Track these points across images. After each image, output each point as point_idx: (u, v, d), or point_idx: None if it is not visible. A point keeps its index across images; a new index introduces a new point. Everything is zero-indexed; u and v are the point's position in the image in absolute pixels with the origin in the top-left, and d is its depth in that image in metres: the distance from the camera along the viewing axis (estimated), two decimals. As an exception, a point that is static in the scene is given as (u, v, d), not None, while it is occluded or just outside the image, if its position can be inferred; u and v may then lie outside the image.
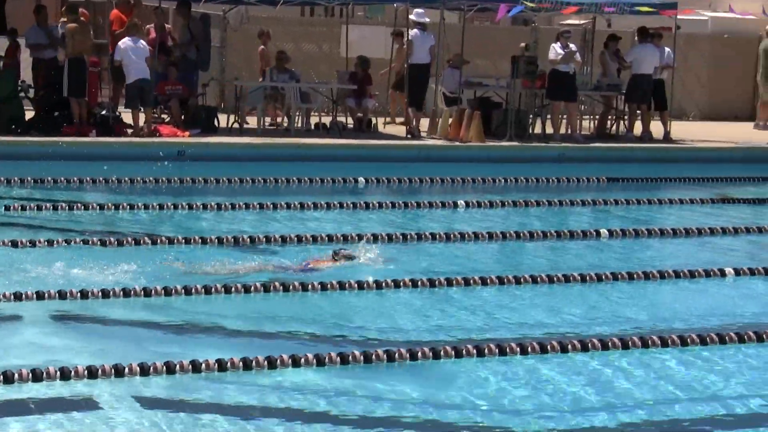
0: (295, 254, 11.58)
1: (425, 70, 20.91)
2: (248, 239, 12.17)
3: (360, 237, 12.36)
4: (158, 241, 11.91)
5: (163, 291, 9.82)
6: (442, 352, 8.41)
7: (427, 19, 21.27)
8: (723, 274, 11.56)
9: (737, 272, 11.61)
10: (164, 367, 7.78)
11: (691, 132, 23.51)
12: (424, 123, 21.48)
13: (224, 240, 12.10)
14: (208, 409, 7.28)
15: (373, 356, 8.25)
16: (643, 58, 21.80)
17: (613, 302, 10.67)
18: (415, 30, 20.96)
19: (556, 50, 20.97)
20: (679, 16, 22.35)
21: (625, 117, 22.62)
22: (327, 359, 8.14)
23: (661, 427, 7.43)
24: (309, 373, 8.01)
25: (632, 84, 21.86)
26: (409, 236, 12.72)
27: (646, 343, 8.92)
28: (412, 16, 21.17)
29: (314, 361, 8.11)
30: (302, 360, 8.09)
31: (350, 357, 8.21)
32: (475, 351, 8.48)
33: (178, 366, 7.84)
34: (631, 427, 7.35)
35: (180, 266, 10.87)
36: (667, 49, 22.28)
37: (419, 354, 8.37)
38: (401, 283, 10.46)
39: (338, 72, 22.15)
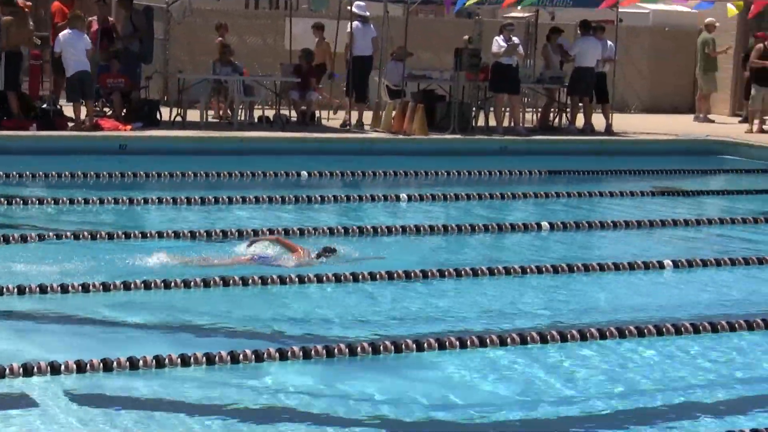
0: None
1: (367, 62, 20.92)
2: (189, 234, 12.13)
3: (302, 231, 12.40)
4: (98, 236, 11.84)
5: (101, 286, 9.77)
6: (381, 347, 8.44)
7: (368, 13, 21.28)
8: (662, 266, 11.67)
9: (676, 264, 11.72)
10: (101, 364, 7.77)
11: (633, 124, 23.70)
12: (368, 116, 21.50)
13: (164, 234, 12.04)
14: (161, 406, 7.30)
15: (312, 351, 8.27)
16: (585, 50, 21.94)
17: (553, 294, 10.73)
18: (356, 22, 20.99)
19: (498, 43, 21.05)
20: (620, 9, 22.50)
21: (568, 109, 22.77)
22: (290, 353, 8.18)
23: (593, 420, 7.49)
24: (272, 368, 8.04)
25: (575, 76, 22.00)
26: (351, 230, 12.72)
27: (585, 336, 8.98)
28: (353, 8, 21.19)
29: (277, 355, 8.13)
30: (264, 355, 8.12)
31: (312, 351, 8.23)
32: (414, 345, 8.52)
33: (115, 363, 7.82)
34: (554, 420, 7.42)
35: (170, 259, 10.84)
36: (609, 42, 22.43)
37: (358, 349, 8.41)
38: (342, 277, 10.49)
39: (282, 65, 22.10)
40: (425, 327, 9.27)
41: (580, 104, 22.42)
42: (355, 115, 21.20)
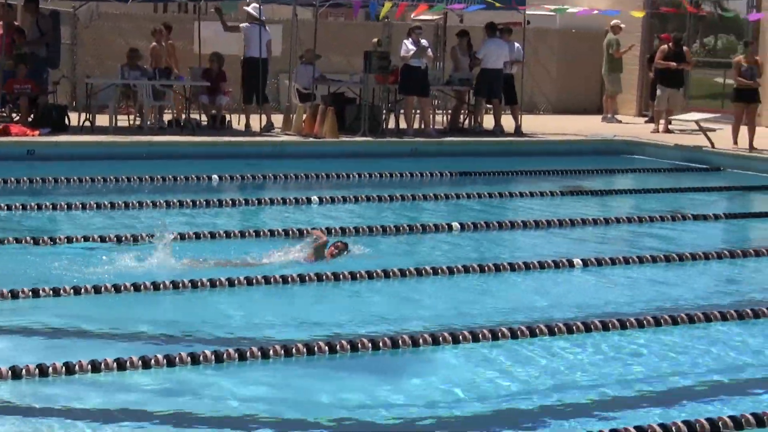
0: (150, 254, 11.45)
1: (261, 65, 20.76)
2: (98, 238, 12.03)
3: (213, 235, 12.37)
4: (5, 241, 11.71)
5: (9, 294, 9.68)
6: (294, 350, 8.44)
7: (264, 16, 21.27)
8: (571, 264, 11.80)
9: (585, 263, 11.86)
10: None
11: (542, 125, 23.95)
12: (278, 119, 21.47)
13: (74, 239, 11.93)
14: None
15: (225, 355, 8.25)
16: (491, 52, 22.10)
17: (465, 294, 10.80)
18: (248, 24, 20.95)
19: (407, 46, 21.14)
20: (528, 12, 22.71)
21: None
22: (178, 359, 8.13)
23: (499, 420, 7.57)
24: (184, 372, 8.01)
25: (480, 78, 22.18)
26: (262, 232, 12.70)
27: (496, 336, 9.05)
28: (248, 9, 21.19)
29: (189, 359, 8.13)
30: (155, 360, 8.05)
31: (201, 357, 8.20)
32: (327, 348, 8.54)
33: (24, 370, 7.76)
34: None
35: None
36: (516, 44, 22.65)
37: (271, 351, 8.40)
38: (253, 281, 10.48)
39: (191, 69, 22.00)
40: (318, 330, 9.24)
41: (489, 105, 22.60)
42: (264, 117, 21.10)
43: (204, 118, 21.51)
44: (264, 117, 20.86)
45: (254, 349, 8.33)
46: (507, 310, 10.19)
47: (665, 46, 24.32)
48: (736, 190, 18.38)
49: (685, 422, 7.12)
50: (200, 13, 23.59)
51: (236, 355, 8.24)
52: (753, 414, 7.31)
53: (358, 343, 8.63)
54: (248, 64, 20.85)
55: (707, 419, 7.20)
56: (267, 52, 20.96)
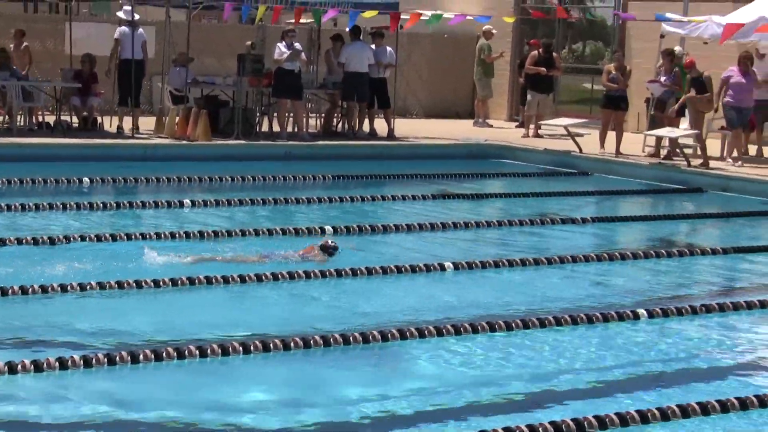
0: (10, 258, 11.30)
1: (137, 67, 20.62)
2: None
3: (83, 237, 12.27)
4: None
5: None
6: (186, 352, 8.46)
7: (137, 17, 21.12)
8: (443, 268, 11.94)
9: (456, 266, 12.02)
10: None
11: (415, 129, 24.13)
12: (150, 121, 21.32)
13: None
14: None
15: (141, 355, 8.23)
16: (352, 56, 22.22)
17: (337, 299, 10.87)
18: (123, 27, 20.81)
19: (281, 49, 21.16)
20: (402, 16, 22.86)
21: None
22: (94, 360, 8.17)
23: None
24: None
25: (344, 82, 22.28)
26: (133, 236, 12.62)
27: (367, 339, 9.14)
28: (119, 13, 21.03)
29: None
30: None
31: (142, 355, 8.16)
32: (198, 351, 8.56)
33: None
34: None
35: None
36: (388, 48, 22.80)
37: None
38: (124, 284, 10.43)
39: (63, 70, 21.72)
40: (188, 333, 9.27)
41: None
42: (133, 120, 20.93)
43: (75, 120, 21.24)
44: (133, 119, 20.68)
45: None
46: (377, 313, 10.27)
47: (535, 51, 24.71)
48: (603, 194, 18.76)
49: (551, 423, 7.28)
50: (72, 14, 23.30)
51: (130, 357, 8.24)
52: (617, 414, 7.51)
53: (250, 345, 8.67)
54: (123, 66, 20.67)
55: (572, 419, 7.37)
56: (143, 54, 20.81)
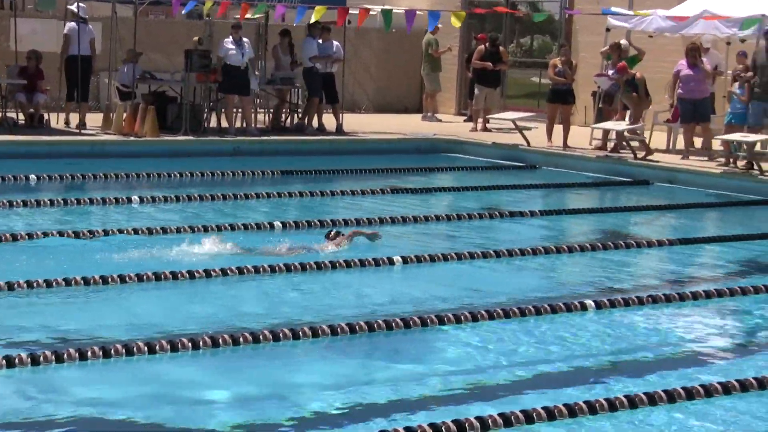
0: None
1: (85, 63, 20.50)
2: None
3: (30, 235, 12.20)
4: None
5: None
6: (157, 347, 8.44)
7: (86, 14, 20.99)
8: (391, 262, 11.97)
9: (405, 260, 12.05)
10: None
11: (364, 124, 24.15)
12: (98, 118, 21.21)
13: None
14: None
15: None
16: (310, 51, 22.25)
17: (285, 294, 10.87)
18: (72, 23, 20.69)
19: (227, 44, 21.12)
20: (351, 11, 22.85)
21: (299, 110, 23.04)
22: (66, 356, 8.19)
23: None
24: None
25: (304, 77, 22.32)
26: (81, 233, 12.56)
27: (317, 333, 9.16)
28: (71, 7, 20.91)
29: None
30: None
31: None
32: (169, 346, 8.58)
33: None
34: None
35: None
36: (335, 43, 22.80)
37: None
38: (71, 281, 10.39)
39: (8, 67, 21.54)
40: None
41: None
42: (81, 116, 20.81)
43: (21, 116, 21.08)
44: (80, 115, 20.57)
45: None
46: (323, 310, 10.24)
47: (482, 46, 24.79)
48: (551, 187, 18.88)
49: (477, 418, 7.28)
50: (16, 10, 23.11)
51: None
52: (565, 405, 7.58)
53: (199, 341, 8.67)
54: (70, 62, 20.55)
55: (521, 411, 7.43)
56: (90, 50, 20.67)
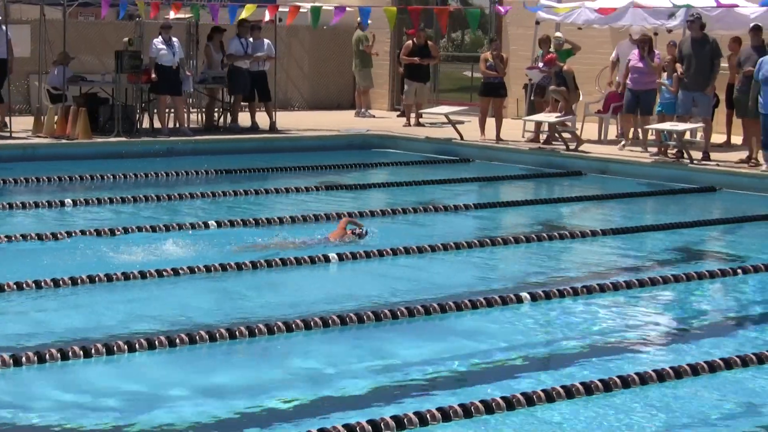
0: None
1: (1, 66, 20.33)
2: None
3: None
4: None
5: None
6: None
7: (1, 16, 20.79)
8: (327, 260, 11.98)
9: (341, 257, 12.07)
10: None
11: (297, 121, 24.15)
12: (29, 121, 21.02)
13: None
14: None
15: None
16: (237, 50, 22.22)
17: (220, 293, 10.84)
18: None
19: (157, 45, 21.03)
20: (281, 9, 22.83)
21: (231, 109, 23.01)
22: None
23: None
24: None
25: (229, 76, 22.27)
26: (13, 237, 12.46)
27: (272, 330, 9.18)
28: None
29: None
30: None
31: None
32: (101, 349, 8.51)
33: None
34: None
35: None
36: (266, 41, 22.76)
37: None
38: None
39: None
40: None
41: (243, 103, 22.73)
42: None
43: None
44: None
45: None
46: (262, 308, 10.27)
47: (410, 41, 24.86)
48: (485, 180, 18.97)
49: (438, 409, 7.35)
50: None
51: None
52: (503, 398, 7.63)
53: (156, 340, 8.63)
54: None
55: (459, 405, 7.47)
56: (6, 52, 20.34)
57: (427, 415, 7.26)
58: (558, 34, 22.25)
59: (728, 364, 8.59)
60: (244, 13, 21.81)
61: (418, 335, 9.53)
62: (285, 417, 7.53)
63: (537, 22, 22.51)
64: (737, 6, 20.32)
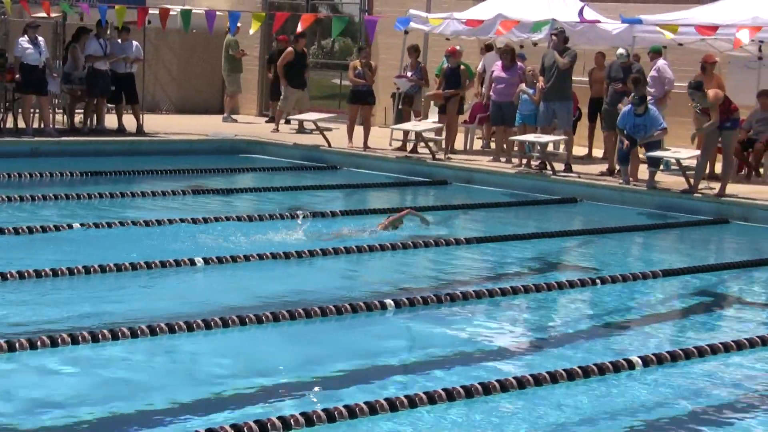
0: None
1: None
2: None
3: None
4: None
5: None
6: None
7: None
8: (193, 263, 11.96)
9: (207, 261, 12.06)
10: None
11: (165, 125, 24.00)
12: None
13: None
14: None
15: None
16: (96, 50, 22.04)
17: (82, 296, 10.76)
18: None
19: (23, 44, 20.75)
20: (151, 11, 22.69)
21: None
22: None
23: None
24: None
25: (88, 77, 22.09)
26: None
27: (116, 336, 9.15)
28: None
29: None
30: None
31: None
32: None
33: None
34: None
35: None
36: (134, 43, 22.61)
37: None
38: None
39: None
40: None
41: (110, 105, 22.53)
42: None
43: None
44: None
45: None
46: (119, 311, 10.20)
47: (290, 48, 24.83)
48: (352, 188, 19.10)
49: (302, 414, 7.43)
50: None
51: None
52: (366, 402, 7.73)
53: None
54: None
55: (323, 410, 7.56)
56: None
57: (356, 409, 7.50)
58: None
59: (585, 372, 8.81)
60: (117, 17, 21.58)
61: (283, 341, 9.57)
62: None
63: (406, 32, 22.73)
64: (599, 22, 20.79)
